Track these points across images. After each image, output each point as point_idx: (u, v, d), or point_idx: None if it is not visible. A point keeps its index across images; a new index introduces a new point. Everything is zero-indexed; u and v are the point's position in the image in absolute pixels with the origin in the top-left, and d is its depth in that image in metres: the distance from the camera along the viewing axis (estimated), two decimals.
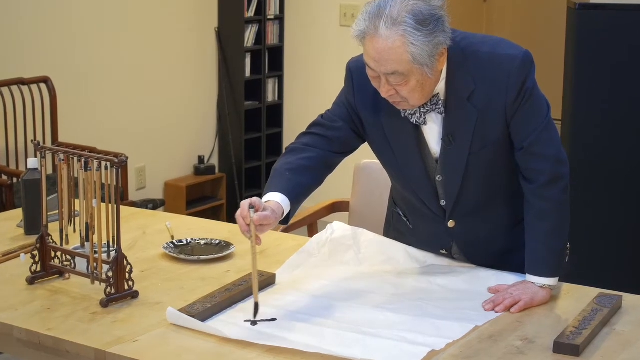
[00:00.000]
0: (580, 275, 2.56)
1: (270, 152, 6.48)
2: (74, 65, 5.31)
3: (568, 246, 2.43)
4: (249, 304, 2.28)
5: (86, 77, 5.39)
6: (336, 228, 2.69)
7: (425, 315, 2.24)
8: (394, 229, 2.70)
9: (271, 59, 6.41)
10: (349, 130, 2.48)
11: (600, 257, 4.07)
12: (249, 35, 6.26)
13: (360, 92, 2.42)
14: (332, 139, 2.48)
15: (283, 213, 2.32)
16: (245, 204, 2.24)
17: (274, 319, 2.20)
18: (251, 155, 6.41)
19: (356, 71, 2.42)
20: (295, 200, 2.37)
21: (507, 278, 2.44)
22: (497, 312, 2.28)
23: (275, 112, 6.50)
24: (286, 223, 2.40)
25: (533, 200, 2.37)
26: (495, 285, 2.41)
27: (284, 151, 2.51)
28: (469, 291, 2.41)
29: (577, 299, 2.37)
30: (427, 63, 2.20)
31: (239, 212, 2.24)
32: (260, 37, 6.30)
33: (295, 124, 6.37)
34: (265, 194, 2.36)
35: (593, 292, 2.40)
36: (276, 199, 2.32)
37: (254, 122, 6.38)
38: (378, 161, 2.54)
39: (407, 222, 2.62)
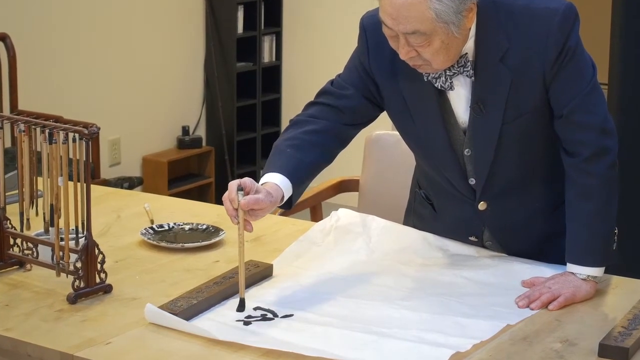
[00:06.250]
0: (630, 267, 2.56)
1: (267, 122, 6.48)
2: (36, 20, 5.30)
3: (615, 231, 2.43)
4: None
5: (50, 34, 5.38)
6: (342, 215, 2.69)
7: (448, 313, 2.25)
8: (415, 214, 2.71)
9: (268, 13, 6.39)
10: (361, 99, 2.48)
11: None
12: None
13: (376, 53, 2.42)
14: (342, 109, 2.48)
15: (283, 197, 2.33)
16: (233, 185, 2.25)
17: (271, 318, 2.20)
18: (244, 126, 6.41)
19: (371, 28, 2.42)
20: (299, 181, 2.38)
21: (545, 270, 2.45)
22: (532, 309, 2.28)
23: (273, 75, 6.49)
24: (289, 208, 2.40)
25: (575, 176, 2.37)
26: (530, 278, 2.42)
27: (286, 123, 2.51)
28: (500, 285, 2.41)
29: (626, 294, 2.37)
30: (453, 20, 2.20)
31: (226, 194, 2.26)
32: None
33: (295, 89, 6.37)
34: (262, 175, 2.37)
35: None
36: (274, 181, 2.33)
37: (248, 86, 6.37)
38: (392, 133, 2.55)
39: (431, 206, 2.63)
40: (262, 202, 2.26)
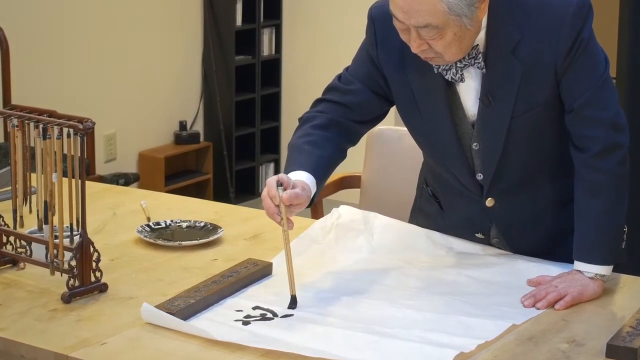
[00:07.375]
0: (635, 266, 2.55)
1: (266, 117, 6.47)
2: (30, 12, 5.29)
3: (625, 229, 2.43)
4: (240, 299, 2.29)
5: (44, 27, 5.38)
6: (343, 212, 2.69)
7: (452, 312, 2.25)
8: (421, 211, 2.71)
9: (267, 5, 6.39)
10: (369, 93, 2.48)
11: None
12: None
13: (384, 44, 2.43)
14: (349, 106, 2.48)
15: (310, 194, 2.34)
16: (272, 181, 2.27)
17: (271, 318, 2.20)
18: (243, 121, 6.41)
19: (379, 19, 2.42)
20: (321, 178, 2.40)
21: (551, 269, 2.45)
22: (538, 309, 2.28)
23: (272, 69, 6.48)
24: (309, 205, 2.41)
25: (584, 172, 2.37)
26: (536, 276, 2.41)
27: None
28: (505, 284, 2.41)
29: (634, 293, 2.37)
30: (466, 13, 2.20)
31: (265, 191, 2.28)
32: None
33: (295, 82, 6.36)
34: (286, 174, 2.37)
35: None
36: (301, 178, 2.34)
37: (247, 80, 6.37)
38: (394, 128, 2.54)
39: (438, 204, 2.63)
40: (301, 197, 2.28)
